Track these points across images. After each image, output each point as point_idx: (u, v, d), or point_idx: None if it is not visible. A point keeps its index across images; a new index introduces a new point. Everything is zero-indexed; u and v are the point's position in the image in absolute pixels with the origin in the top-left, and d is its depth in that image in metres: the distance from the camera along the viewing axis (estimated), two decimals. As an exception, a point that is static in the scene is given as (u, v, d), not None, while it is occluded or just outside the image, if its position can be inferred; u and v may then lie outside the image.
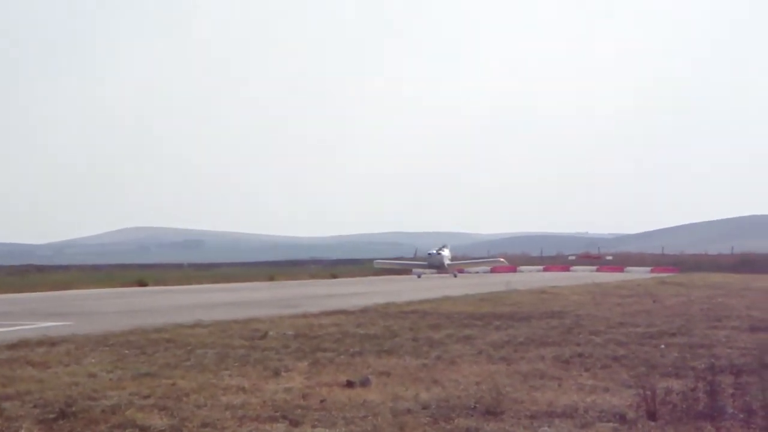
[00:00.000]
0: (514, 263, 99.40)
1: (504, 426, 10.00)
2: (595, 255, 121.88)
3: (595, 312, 27.28)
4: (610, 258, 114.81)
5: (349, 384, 12.60)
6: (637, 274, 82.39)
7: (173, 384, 12.63)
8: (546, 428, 9.95)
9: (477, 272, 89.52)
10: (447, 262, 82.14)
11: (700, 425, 9.93)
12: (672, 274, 77.12)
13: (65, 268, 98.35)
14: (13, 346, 17.08)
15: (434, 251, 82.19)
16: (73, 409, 10.60)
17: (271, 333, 19.71)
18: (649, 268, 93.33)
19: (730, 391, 11.01)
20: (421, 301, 31.85)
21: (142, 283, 55.70)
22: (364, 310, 27.16)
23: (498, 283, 50.06)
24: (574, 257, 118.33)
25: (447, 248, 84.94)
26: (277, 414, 10.52)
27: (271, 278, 67.61)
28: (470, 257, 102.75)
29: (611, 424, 10.13)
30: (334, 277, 73.33)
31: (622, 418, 10.33)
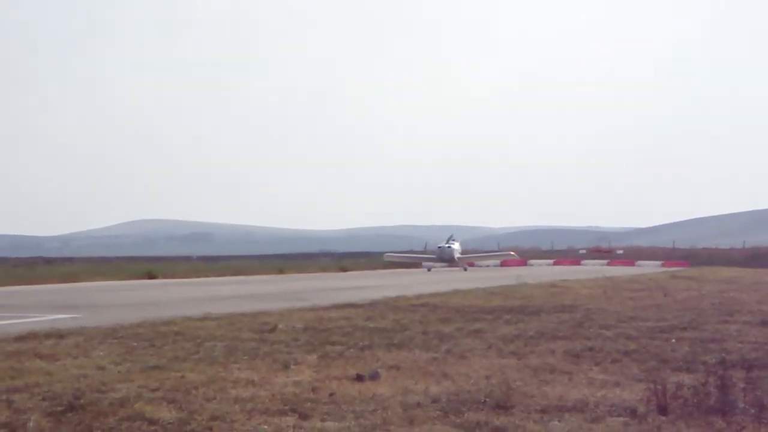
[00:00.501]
0: (524, 257, 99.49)
1: (514, 420, 9.94)
2: (606, 249, 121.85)
3: (605, 306, 27.18)
4: (621, 252, 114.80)
5: (359, 377, 12.56)
6: (648, 268, 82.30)
7: (182, 377, 12.61)
8: (556, 422, 9.90)
9: (487, 266, 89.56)
10: (457, 255, 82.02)
11: (711, 420, 9.87)
12: (683, 269, 76.90)
13: (73, 260, 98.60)
14: (21, 338, 17.10)
15: (444, 244, 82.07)
16: (82, 401, 10.59)
17: (280, 326, 19.68)
18: (660, 262, 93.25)
19: (742, 385, 10.92)
20: (431, 295, 31.80)
21: (151, 276, 55.71)
22: (374, 304, 27.12)
23: (508, 276, 50.02)
24: (584, 251, 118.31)
25: (457, 242, 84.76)
26: (287, 407, 10.48)
27: (281, 271, 67.67)
28: (480, 251, 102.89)
29: (622, 419, 10.07)
30: (344, 270, 73.32)
31: (632, 413, 10.27)
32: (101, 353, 15.23)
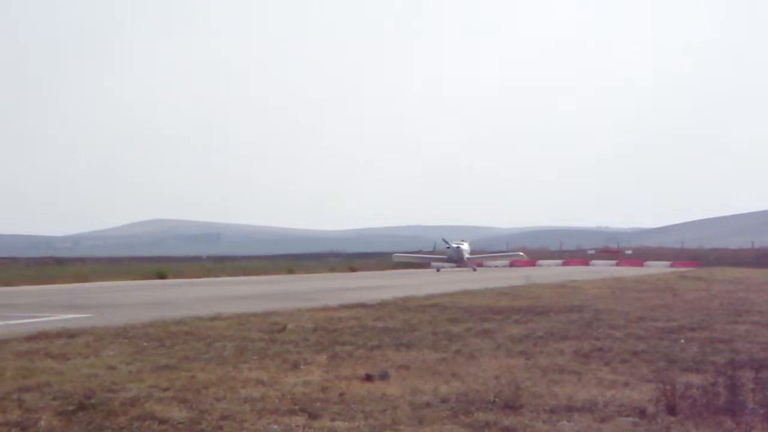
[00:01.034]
0: (533, 257, 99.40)
1: (523, 420, 9.96)
2: (614, 249, 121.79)
3: (614, 306, 27.18)
4: (629, 252, 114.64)
5: (368, 377, 12.58)
6: (657, 268, 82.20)
7: (192, 376, 12.65)
8: (565, 422, 9.91)
9: (496, 266, 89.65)
10: (466, 256, 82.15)
11: (720, 420, 9.87)
12: (691, 269, 76.81)
13: (84, 260, 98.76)
14: (32, 338, 17.16)
15: (454, 245, 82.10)
16: (93, 401, 10.63)
17: (290, 326, 19.71)
18: (668, 263, 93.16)
19: (751, 386, 10.93)
20: (440, 295, 31.84)
21: (161, 276, 55.79)
22: (383, 304, 27.15)
23: (517, 277, 50.04)
24: (593, 251, 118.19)
25: (466, 242, 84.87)
26: (296, 407, 10.51)
27: (290, 271, 67.76)
28: (489, 251, 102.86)
29: (631, 419, 10.07)
30: (353, 270, 73.37)
31: (641, 413, 10.28)
32: (112, 353, 15.28)
